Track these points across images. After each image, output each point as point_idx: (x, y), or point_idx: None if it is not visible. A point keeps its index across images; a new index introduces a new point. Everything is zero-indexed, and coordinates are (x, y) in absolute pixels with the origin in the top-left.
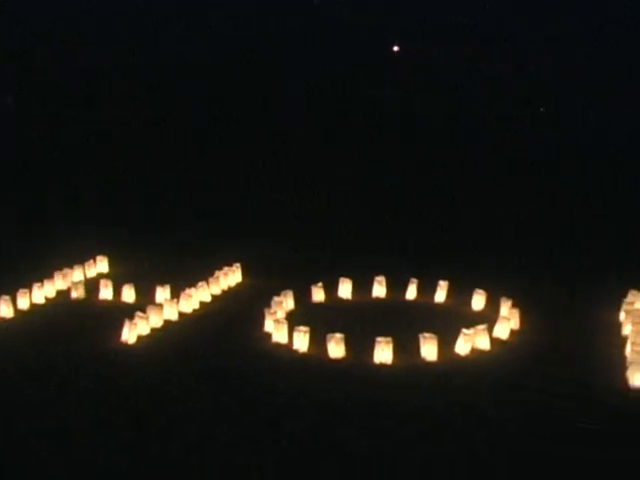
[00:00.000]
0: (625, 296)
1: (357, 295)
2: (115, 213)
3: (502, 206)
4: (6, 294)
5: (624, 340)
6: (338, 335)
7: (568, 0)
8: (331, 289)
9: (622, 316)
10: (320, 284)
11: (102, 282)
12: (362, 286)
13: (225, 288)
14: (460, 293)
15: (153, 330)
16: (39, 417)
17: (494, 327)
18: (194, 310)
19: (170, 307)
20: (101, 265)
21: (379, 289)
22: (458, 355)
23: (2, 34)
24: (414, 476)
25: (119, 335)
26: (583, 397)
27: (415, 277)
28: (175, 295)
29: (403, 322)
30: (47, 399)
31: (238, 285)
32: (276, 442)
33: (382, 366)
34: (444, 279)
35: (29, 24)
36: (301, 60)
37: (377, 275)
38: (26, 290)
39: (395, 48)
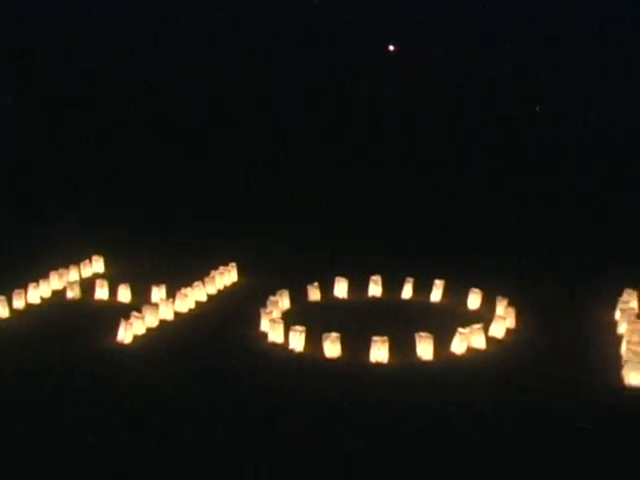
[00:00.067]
0: (620, 295)
1: (353, 294)
2: (114, 213)
3: (501, 206)
4: (1, 294)
5: (619, 339)
6: (334, 334)
7: (568, 0)
8: (327, 288)
9: (617, 315)
10: (316, 283)
11: (98, 282)
12: (358, 285)
13: (221, 288)
14: (456, 292)
15: (149, 330)
16: (35, 417)
17: (490, 326)
18: (190, 310)
19: (166, 307)
20: (97, 265)
21: (375, 288)
22: (454, 354)
23: (2, 34)
24: (410, 475)
25: (115, 335)
26: (579, 395)
27: (411, 276)
28: (171, 295)
29: (399, 321)
30: (43, 399)
31: (234, 285)
32: (272, 441)
33: (378, 365)
34: (440, 278)
35: (29, 24)
36: (301, 60)
37: (373, 274)
38: (21, 290)
39: (390, 47)
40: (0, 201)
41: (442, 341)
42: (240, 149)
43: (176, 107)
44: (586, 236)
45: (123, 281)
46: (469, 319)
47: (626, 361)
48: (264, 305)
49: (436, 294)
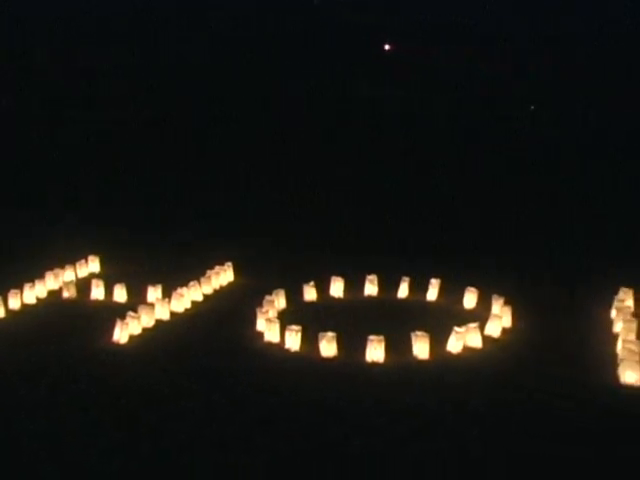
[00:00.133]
0: (616, 294)
1: (349, 294)
2: (113, 213)
3: (500, 206)
4: None
5: (615, 337)
6: (330, 334)
7: (568, 0)
8: (323, 288)
9: (613, 313)
10: (312, 283)
11: (94, 282)
12: (354, 285)
13: (217, 287)
14: (452, 291)
15: (145, 330)
16: (31, 417)
17: (486, 325)
18: (186, 309)
19: (162, 307)
20: (93, 265)
21: (371, 288)
22: (450, 353)
23: (2, 34)
24: (407, 473)
25: (111, 335)
26: (575, 394)
27: (407, 275)
28: (167, 294)
29: (395, 321)
30: (38, 399)
31: (230, 284)
32: (268, 441)
33: (374, 364)
34: (436, 277)
35: (29, 24)
36: (301, 60)
37: (369, 274)
38: (17, 290)
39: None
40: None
41: (438, 340)
42: (240, 149)
43: (176, 107)
44: (585, 236)
45: (119, 281)
46: (465, 318)
47: (622, 359)
48: (260, 304)
49: (432, 293)
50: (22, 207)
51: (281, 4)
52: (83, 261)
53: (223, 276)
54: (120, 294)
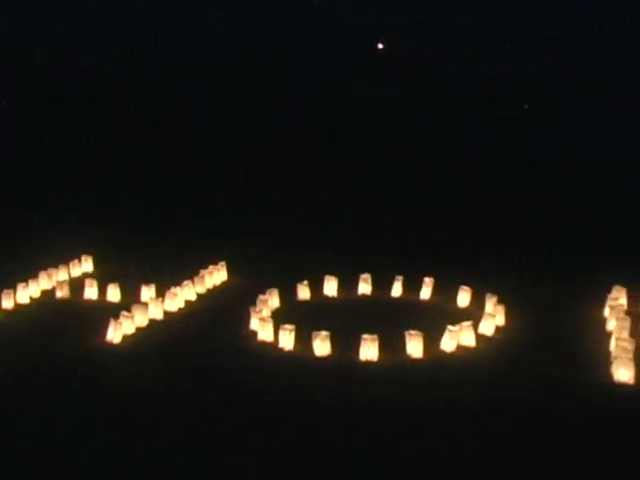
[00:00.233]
0: (610, 292)
1: (343, 293)
2: (112, 213)
3: (499, 205)
4: None
5: (609, 335)
6: (324, 333)
7: (568, 0)
8: (317, 287)
9: (607, 312)
10: (305, 282)
11: (87, 281)
12: (348, 284)
13: (210, 287)
14: (445, 290)
15: (138, 329)
16: (24, 417)
17: (479, 324)
18: (179, 309)
19: (155, 306)
20: (86, 265)
21: (365, 287)
22: (444, 352)
23: (2, 34)
24: (401, 472)
25: (104, 335)
26: (568, 392)
27: (400, 274)
28: (160, 294)
29: (389, 319)
30: (32, 399)
31: (223, 283)
32: (262, 440)
33: (368, 363)
34: (429, 276)
35: (29, 24)
36: (301, 60)
37: (362, 273)
38: (10, 290)
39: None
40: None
41: (432, 339)
42: (240, 149)
43: (176, 107)
44: (580, 235)
45: (112, 281)
46: (459, 317)
47: (615, 357)
48: (254, 304)
49: (426, 292)
50: (22, 207)
51: (281, 4)
52: (76, 261)
53: (217, 275)
54: (113, 294)
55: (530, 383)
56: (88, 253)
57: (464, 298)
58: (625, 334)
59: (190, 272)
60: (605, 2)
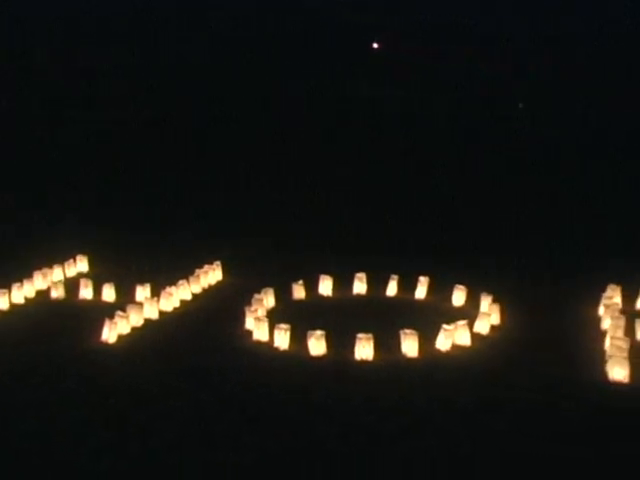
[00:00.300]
0: (604, 291)
1: (338, 292)
2: (111, 213)
3: (501, 206)
4: None
5: (603, 334)
6: (319, 332)
7: (568, 0)
8: (312, 286)
9: (601, 310)
10: (301, 281)
11: (82, 281)
12: (343, 283)
13: (205, 286)
14: (441, 289)
15: (134, 329)
16: (20, 417)
17: (474, 323)
18: (175, 309)
19: (150, 306)
20: (81, 264)
21: (360, 286)
22: (439, 351)
23: (2, 34)
24: (396, 471)
25: (99, 335)
26: (563, 391)
27: (395, 273)
28: (155, 294)
29: (384, 319)
30: (28, 399)
31: (219, 283)
32: (257, 439)
33: (363, 362)
34: (424, 275)
35: (29, 24)
36: (301, 60)
37: (357, 272)
38: (5, 290)
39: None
40: None
41: (427, 338)
42: (240, 149)
43: (176, 107)
44: (576, 234)
45: (107, 280)
46: (454, 316)
47: (610, 356)
48: (249, 303)
49: (421, 291)
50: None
51: (281, 4)
52: (71, 261)
53: (212, 275)
54: (108, 294)
55: (525, 382)
56: (83, 253)
57: (459, 297)
58: (620, 333)
59: (185, 272)
60: (605, 2)
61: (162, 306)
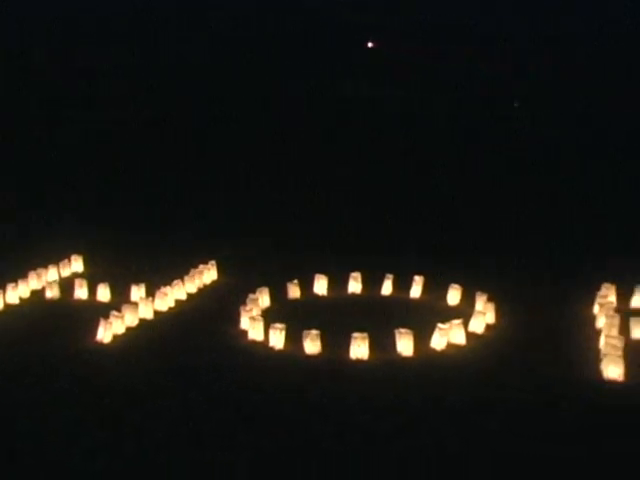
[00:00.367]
0: (599, 290)
1: (333, 291)
2: (110, 213)
3: (501, 205)
4: None
5: (598, 333)
6: (314, 332)
7: (568, 0)
8: (307, 286)
9: (596, 309)
10: (296, 281)
11: (77, 282)
12: (338, 282)
13: (201, 286)
14: (435, 288)
15: (128, 329)
16: (13, 417)
17: (469, 322)
18: (170, 308)
19: (145, 306)
20: (76, 264)
21: (355, 285)
22: (434, 350)
23: (1, 34)
24: (391, 470)
25: (94, 334)
26: (558, 390)
27: (390, 273)
28: (150, 294)
29: (379, 318)
30: (21, 399)
31: (214, 283)
32: (252, 438)
33: (358, 362)
34: (419, 274)
35: (29, 24)
36: (301, 60)
37: (352, 271)
38: (0, 290)
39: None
40: None
41: (422, 337)
42: (240, 149)
43: (176, 107)
44: (572, 234)
45: (102, 280)
46: (449, 315)
47: (605, 355)
48: (244, 303)
49: (416, 290)
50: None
51: (281, 4)
52: (66, 261)
53: (207, 275)
54: (103, 294)
55: (520, 381)
56: (78, 253)
57: (454, 296)
58: (614, 331)
59: (180, 271)
60: (605, 2)
61: (157, 306)
